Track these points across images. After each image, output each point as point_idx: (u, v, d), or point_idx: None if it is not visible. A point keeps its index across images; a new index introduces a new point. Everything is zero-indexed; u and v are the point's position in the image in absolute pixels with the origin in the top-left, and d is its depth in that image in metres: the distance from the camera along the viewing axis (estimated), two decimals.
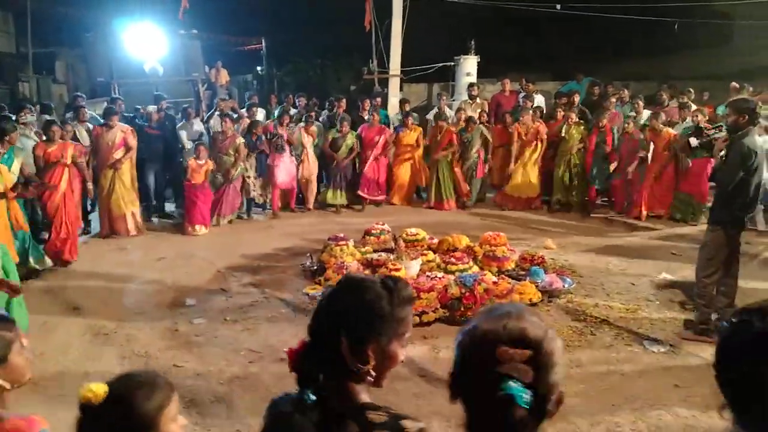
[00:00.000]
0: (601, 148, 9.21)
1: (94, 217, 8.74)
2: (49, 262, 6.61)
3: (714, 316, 4.91)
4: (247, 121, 9.70)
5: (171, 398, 1.60)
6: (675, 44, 15.55)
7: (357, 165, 10.10)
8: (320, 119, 10.38)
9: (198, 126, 9.80)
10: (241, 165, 8.86)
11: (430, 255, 6.51)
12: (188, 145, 9.34)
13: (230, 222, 9.01)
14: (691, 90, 10.38)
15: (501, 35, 16.16)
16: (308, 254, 6.74)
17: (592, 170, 9.36)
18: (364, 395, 1.41)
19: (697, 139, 8.34)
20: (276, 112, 10.06)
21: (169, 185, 9.77)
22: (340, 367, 1.38)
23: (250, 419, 3.74)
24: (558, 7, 14.01)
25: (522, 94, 11.26)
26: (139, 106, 10.41)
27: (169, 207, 9.79)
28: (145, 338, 5.02)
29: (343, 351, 1.36)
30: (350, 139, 9.77)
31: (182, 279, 6.49)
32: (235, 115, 10.21)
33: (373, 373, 1.39)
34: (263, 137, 9.28)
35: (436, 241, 6.97)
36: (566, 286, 5.91)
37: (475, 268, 6.19)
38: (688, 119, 8.90)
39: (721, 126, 7.40)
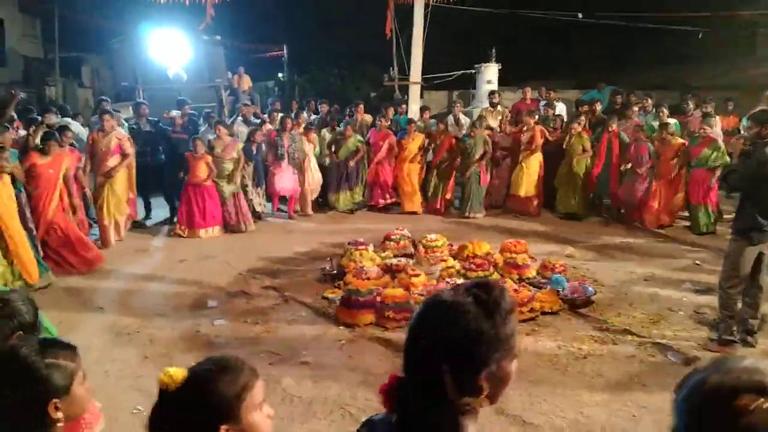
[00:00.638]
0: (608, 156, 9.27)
1: None
2: (52, 277, 6.41)
3: (739, 328, 4.84)
4: (269, 126, 9.79)
5: (254, 384, 1.48)
6: (699, 53, 15.40)
7: (363, 168, 10.12)
8: (341, 125, 10.44)
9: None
10: (235, 182, 8.70)
11: (450, 261, 6.50)
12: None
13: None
14: (713, 101, 10.25)
15: (522, 43, 16.15)
16: (328, 258, 6.76)
17: (599, 177, 9.40)
18: (472, 429, 1.25)
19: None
20: (278, 120, 9.99)
21: None
22: (445, 403, 1.21)
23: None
24: (580, 15, 13.96)
25: (543, 102, 11.22)
26: (167, 111, 10.54)
27: None
28: (166, 339, 5.06)
29: (447, 388, 1.20)
30: (352, 143, 9.81)
31: (203, 281, 6.55)
32: (258, 121, 10.31)
33: (487, 402, 1.25)
34: (263, 146, 9.25)
35: (456, 247, 6.95)
36: (588, 295, 5.85)
37: (496, 275, 6.16)
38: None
39: None
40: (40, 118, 8.05)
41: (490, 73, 12.92)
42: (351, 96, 15.27)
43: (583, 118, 9.67)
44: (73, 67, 17.89)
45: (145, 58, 14.21)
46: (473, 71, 13.41)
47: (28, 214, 6.40)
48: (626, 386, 4.27)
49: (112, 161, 7.93)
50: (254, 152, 9.14)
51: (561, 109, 11.22)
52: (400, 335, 5.13)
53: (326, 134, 10.16)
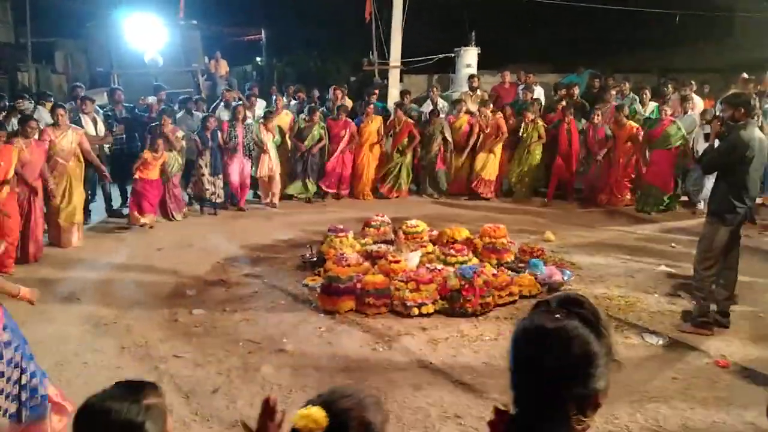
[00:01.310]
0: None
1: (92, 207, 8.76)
2: None
3: (713, 309, 4.93)
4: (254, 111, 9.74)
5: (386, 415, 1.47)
6: (676, 37, 15.48)
7: (324, 156, 9.99)
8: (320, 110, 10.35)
9: (197, 117, 9.69)
10: (177, 161, 8.51)
11: (430, 247, 6.51)
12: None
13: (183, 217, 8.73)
14: (693, 83, 10.36)
15: (501, 27, 16.09)
16: (308, 245, 6.74)
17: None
18: None
19: (708, 123, 8.40)
20: (231, 111, 9.58)
21: None
22: (566, 429, 1.21)
23: (248, 410, 3.75)
24: None
25: (521, 86, 11.24)
26: (143, 98, 10.36)
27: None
28: (144, 328, 5.02)
29: (570, 413, 1.19)
30: (317, 130, 9.67)
31: (181, 269, 6.50)
32: (241, 104, 10.17)
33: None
34: (218, 134, 8.97)
35: (435, 233, 6.96)
36: (565, 278, 5.91)
37: (475, 260, 6.19)
38: (690, 113, 8.96)
39: None
40: (13, 104, 7.89)
41: (469, 57, 12.88)
42: (331, 80, 15.14)
43: (532, 108, 9.79)
44: (46, 52, 17.54)
45: (120, 43, 13.94)
46: (453, 55, 13.37)
47: None
48: None
49: (71, 163, 7.31)
50: (209, 140, 8.82)
51: (539, 92, 11.24)
52: (380, 322, 5.15)
53: (302, 121, 10.02)
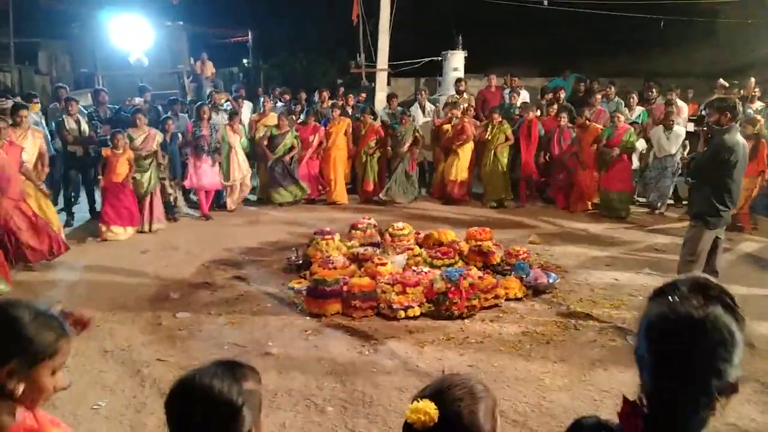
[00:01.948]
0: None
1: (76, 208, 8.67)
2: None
3: None
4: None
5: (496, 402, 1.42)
6: (660, 41, 15.64)
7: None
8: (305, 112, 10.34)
9: (183, 120, 9.61)
10: (153, 175, 8.08)
11: (416, 249, 6.51)
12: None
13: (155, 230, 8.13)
14: (678, 88, 10.47)
15: (488, 31, 16.15)
16: (294, 248, 6.71)
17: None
18: None
19: (696, 124, 8.54)
20: (194, 110, 9.32)
21: None
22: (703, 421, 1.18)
23: None
24: (545, 2, 14.04)
25: (507, 90, 11.30)
26: (130, 98, 10.24)
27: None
28: (128, 332, 4.97)
29: (715, 404, 1.16)
30: (290, 139, 9.47)
31: (166, 272, 6.44)
32: (230, 107, 10.14)
33: None
34: (179, 135, 8.70)
35: (422, 235, 6.97)
36: (551, 281, 5.94)
37: (461, 263, 6.20)
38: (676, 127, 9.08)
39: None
40: None
41: (456, 61, 12.94)
42: (318, 83, 15.13)
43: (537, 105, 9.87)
44: (29, 52, 17.29)
45: (104, 44, 13.85)
46: (440, 58, 13.41)
47: None
48: (588, 370, 4.35)
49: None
50: (168, 143, 8.52)
51: (525, 96, 11.31)
52: (366, 324, 5.14)
53: (274, 129, 9.83)
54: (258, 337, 4.88)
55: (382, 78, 12.92)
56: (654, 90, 10.40)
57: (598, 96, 10.21)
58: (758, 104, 9.52)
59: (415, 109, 10.73)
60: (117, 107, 9.65)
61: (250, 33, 19.39)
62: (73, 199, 8.68)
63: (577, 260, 6.88)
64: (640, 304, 4.81)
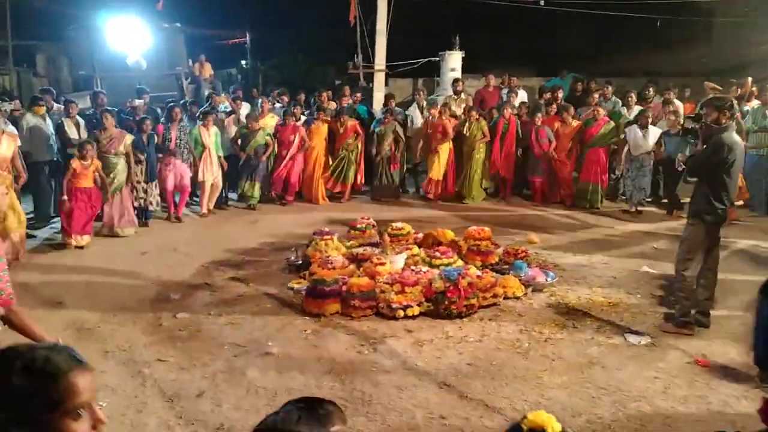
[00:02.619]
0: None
1: None
2: None
3: (694, 309, 4.99)
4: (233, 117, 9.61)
5: None
6: (657, 41, 15.69)
7: (271, 164, 9.77)
8: (305, 114, 10.36)
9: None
10: (122, 173, 7.86)
11: (415, 249, 6.53)
12: None
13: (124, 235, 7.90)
14: (675, 87, 10.49)
15: (485, 31, 16.20)
16: (293, 249, 6.73)
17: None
18: None
19: (694, 121, 8.56)
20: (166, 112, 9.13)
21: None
22: None
23: (234, 413, 3.74)
24: (542, 2, 14.08)
25: (505, 90, 11.33)
26: (130, 100, 10.21)
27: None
28: (128, 333, 4.99)
29: None
30: (261, 137, 9.33)
31: (166, 273, 6.46)
32: (229, 109, 10.13)
33: None
34: (155, 137, 8.48)
35: (421, 235, 6.99)
36: (549, 279, 5.97)
37: (460, 263, 6.22)
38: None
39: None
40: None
41: (453, 61, 12.97)
42: (315, 83, 15.14)
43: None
44: (27, 55, 17.29)
45: (102, 46, 13.84)
46: (438, 59, 13.44)
47: None
48: (586, 368, 4.38)
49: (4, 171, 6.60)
50: (145, 144, 8.30)
51: (523, 96, 11.34)
52: (365, 324, 5.16)
53: (243, 129, 9.71)
54: (258, 337, 4.90)
55: (379, 78, 12.95)
56: (651, 89, 10.43)
57: (596, 95, 10.25)
58: (755, 103, 9.55)
59: (413, 110, 10.77)
60: (117, 109, 9.62)
61: (248, 34, 19.40)
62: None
63: (574, 259, 6.91)
64: (638, 302, 4.85)
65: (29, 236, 7.45)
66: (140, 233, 8.14)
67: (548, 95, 10.70)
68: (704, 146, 4.93)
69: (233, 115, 9.92)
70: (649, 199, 9.40)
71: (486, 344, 4.78)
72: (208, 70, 14.61)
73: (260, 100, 10.54)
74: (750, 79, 10.15)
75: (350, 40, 13.65)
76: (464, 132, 9.80)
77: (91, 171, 7.45)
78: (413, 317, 5.23)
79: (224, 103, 10.51)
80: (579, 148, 9.56)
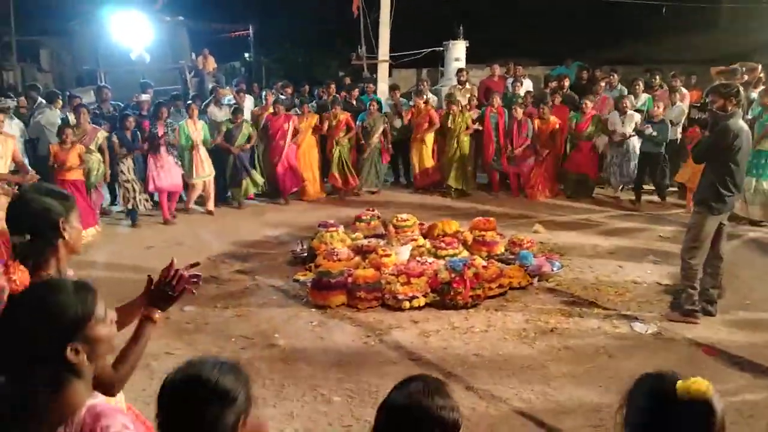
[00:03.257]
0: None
1: None
2: None
3: (700, 298, 4.97)
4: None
5: None
6: (662, 28, 15.57)
7: (257, 155, 9.51)
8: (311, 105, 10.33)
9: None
10: (99, 168, 7.77)
11: (421, 240, 6.53)
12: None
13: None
14: (681, 74, 10.40)
15: (489, 20, 16.11)
16: (298, 241, 6.75)
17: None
18: None
19: (699, 110, 8.52)
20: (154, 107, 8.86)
21: None
22: None
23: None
24: None
25: (510, 79, 11.27)
26: (136, 95, 10.17)
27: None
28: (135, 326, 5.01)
29: None
30: (246, 129, 9.12)
31: None
32: (233, 102, 10.10)
33: None
34: (138, 133, 8.23)
35: (426, 226, 6.99)
36: (555, 269, 5.96)
37: (465, 253, 6.22)
38: (679, 103, 9.10)
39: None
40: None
41: (457, 51, 12.87)
42: (319, 75, 15.11)
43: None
44: (31, 50, 17.35)
45: (106, 40, 13.87)
46: (441, 49, 13.37)
47: None
48: (592, 358, 4.38)
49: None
50: (131, 140, 8.09)
51: (528, 85, 11.27)
52: (371, 315, 5.18)
53: (228, 123, 9.69)
54: (264, 329, 4.93)
55: (383, 69, 12.90)
56: (657, 77, 10.35)
57: (602, 84, 10.18)
58: (762, 89, 9.45)
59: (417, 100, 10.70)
60: (123, 105, 9.60)
61: (251, 27, 19.34)
62: None
63: (580, 248, 6.88)
64: (645, 291, 4.85)
65: None
66: (149, 225, 8.17)
67: (554, 84, 10.63)
68: (709, 133, 4.89)
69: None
70: (630, 186, 9.33)
71: (492, 334, 4.78)
72: (211, 64, 14.58)
73: (264, 93, 10.50)
74: (759, 66, 10.02)
75: (353, 31, 13.60)
76: (448, 124, 9.72)
77: (75, 153, 7.30)
78: (419, 308, 5.24)
79: (228, 96, 10.49)
80: (569, 141, 9.54)
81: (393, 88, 11.02)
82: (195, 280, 2.19)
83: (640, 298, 5.42)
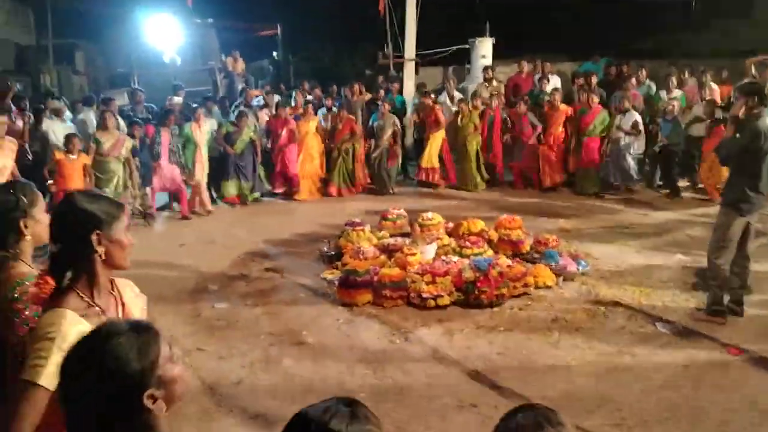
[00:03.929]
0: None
1: None
2: None
3: (726, 298, 4.95)
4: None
5: None
6: (693, 20, 15.28)
7: (255, 159, 9.45)
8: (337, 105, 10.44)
9: (217, 116, 9.59)
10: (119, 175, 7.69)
11: (446, 239, 6.58)
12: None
13: None
14: (711, 69, 10.24)
15: (515, 16, 16.01)
16: (326, 239, 6.87)
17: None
18: None
19: (724, 110, 8.49)
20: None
21: None
22: None
23: (270, 401, 3.89)
24: None
25: (538, 76, 11.23)
26: (170, 98, 10.36)
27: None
28: (168, 323, 5.18)
29: None
30: (247, 134, 9.20)
31: (204, 265, 6.65)
32: (262, 103, 10.26)
33: None
34: (146, 140, 8.40)
35: (451, 225, 7.04)
36: (580, 268, 5.97)
37: (490, 252, 6.26)
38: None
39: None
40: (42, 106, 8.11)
41: (484, 48, 12.83)
42: (346, 74, 15.23)
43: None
44: (66, 54, 17.79)
45: (139, 43, 14.20)
46: (468, 46, 13.35)
47: None
48: (616, 357, 4.40)
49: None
50: (139, 149, 8.23)
51: (556, 82, 11.22)
52: (397, 314, 5.26)
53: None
54: (293, 326, 5.05)
55: (410, 68, 12.94)
56: (686, 72, 10.21)
57: (633, 80, 10.11)
58: None
59: (444, 98, 10.76)
60: (156, 108, 9.80)
61: (279, 26, 19.55)
62: None
63: (607, 247, 6.86)
64: (671, 291, 4.85)
65: None
66: (181, 225, 8.39)
67: (582, 80, 10.57)
68: (736, 134, 4.84)
69: (266, 108, 10.07)
70: (636, 186, 9.43)
71: (516, 334, 4.83)
72: (240, 65, 14.80)
73: (294, 93, 10.64)
74: None
75: (380, 30, 13.67)
76: (458, 123, 9.86)
77: (80, 166, 7.21)
78: (444, 307, 5.31)
79: (258, 97, 10.66)
80: (576, 136, 9.53)
81: (420, 86, 11.07)
82: None
83: (666, 297, 5.40)
